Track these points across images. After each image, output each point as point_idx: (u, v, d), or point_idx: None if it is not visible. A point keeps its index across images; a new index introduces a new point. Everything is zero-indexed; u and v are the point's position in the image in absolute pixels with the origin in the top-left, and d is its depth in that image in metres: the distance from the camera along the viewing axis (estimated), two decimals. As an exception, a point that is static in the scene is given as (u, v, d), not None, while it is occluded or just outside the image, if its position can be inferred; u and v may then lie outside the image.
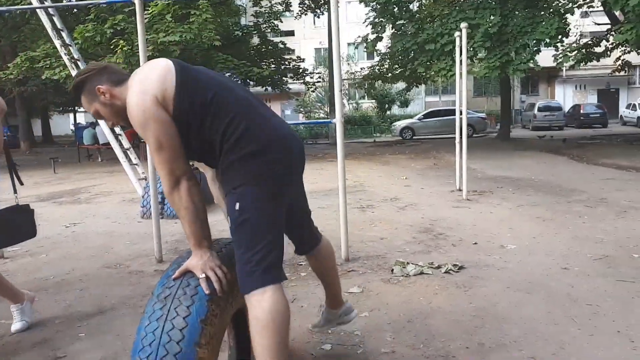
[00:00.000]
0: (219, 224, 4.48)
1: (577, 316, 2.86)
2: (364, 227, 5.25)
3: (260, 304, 1.70)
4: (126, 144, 7.64)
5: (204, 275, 1.71)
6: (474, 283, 3.48)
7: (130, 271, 4.10)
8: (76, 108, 32.68)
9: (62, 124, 40.13)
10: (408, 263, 3.86)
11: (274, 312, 1.69)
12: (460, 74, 6.95)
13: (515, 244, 4.47)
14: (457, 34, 7.16)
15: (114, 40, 10.02)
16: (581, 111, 27.31)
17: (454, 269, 3.75)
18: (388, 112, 30.23)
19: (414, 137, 22.97)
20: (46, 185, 10.49)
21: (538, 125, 25.76)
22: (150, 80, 1.71)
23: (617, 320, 2.79)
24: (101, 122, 16.61)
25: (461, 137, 6.95)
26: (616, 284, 3.37)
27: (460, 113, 7.01)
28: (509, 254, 4.19)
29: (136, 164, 7.66)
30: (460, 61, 6.84)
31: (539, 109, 26.56)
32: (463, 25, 6.12)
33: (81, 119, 35.56)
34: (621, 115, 29.25)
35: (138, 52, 9.96)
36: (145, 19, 10.08)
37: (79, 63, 7.57)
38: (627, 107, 28.70)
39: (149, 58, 9.44)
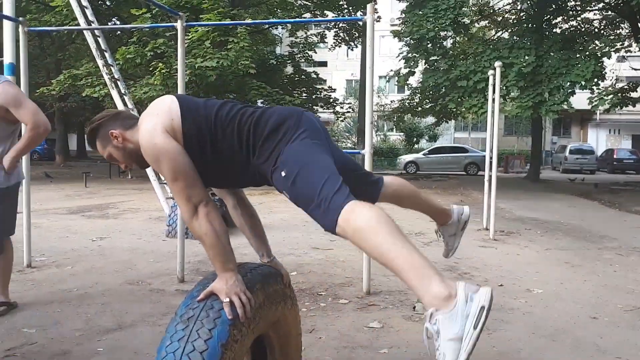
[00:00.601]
0: (242, 247, 4.50)
1: (605, 369, 2.75)
2: (386, 260, 5.18)
3: (352, 217, 1.51)
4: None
5: (228, 299, 1.71)
6: (497, 326, 3.39)
7: (152, 289, 4.13)
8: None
9: (97, 140, 41.25)
10: (430, 300, 3.78)
11: (372, 212, 1.52)
12: (493, 111, 6.93)
13: (542, 288, 4.35)
14: (490, 72, 7.17)
15: (154, 63, 10.38)
16: (614, 156, 26.79)
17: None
18: (416, 146, 30.17)
19: (418, 172, 23.02)
20: (77, 198, 10.74)
21: (569, 168, 25.32)
22: (157, 115, 1.79)
23: (649, 376, 2.68)
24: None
25: (490, 176, 6.87)
26: (648, 338, 3.24)
27: (491, 151, 6.94)
28: (535, 298, 4.07)
29: (165, 183, 7.78)
30: (493, 99, 6.83)
31: (571, 152, 26.16)
32: (497, 64, 6.13)
33: (115, 135, 36.63)
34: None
35: (175, 74, 10.29)
36: (185, 43, 10.45)
37: (118, 83, 7.83)
38: (663, 154, 27.99)
39: (187, 82, 9.69)
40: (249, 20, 14.97)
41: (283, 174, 1.72)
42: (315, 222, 1.67)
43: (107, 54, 7.82)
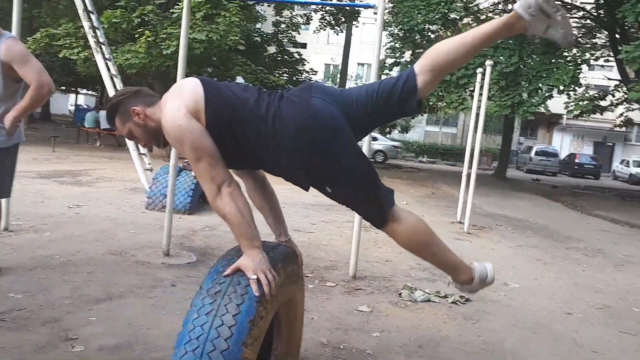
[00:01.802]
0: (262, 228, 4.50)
1: (584, 362, 2.91)
2: (368, 247, 5.28)
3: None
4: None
5: (255, 276, 1.73)
6: (480, 317, 3.51)
7: (137, 261, 4.08)
8: (79, 89, 32.52)
9: (62, 104, 39.89)
10: (415, 289, 3.89)
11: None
12: (478, 108, 7.07)
13: (518, 283, 4.52)
14: (479, 70, 7.29)
15: (140, 30, 10.05)
16: (576, 160, 27.73)
17: (460, 300, 3.78)
18: (388, 136, 30.42)
19: (387, 162, 23.05)
20: (46, 162, 10.40)
21: (533, 169, 26.11)
22: (182, 96, 1.78)
23: (624, 371, 2.84)
24: (104, 111, 16.67)
25: (469, 172, 7.03)
26: (620, 335, 3.43)
27: (473, 148, 7.09)
28: (513, 292, 4.24)
29: (144, 154, 7.63)
30: (480, 94, 6.96)
31: (536, 153, 26.95)
32: (488, 62, 6.24)
33: (82, 100, 35.43)
34: (614, 170, 29.71)
35: (162, 43, 10.04)
36: (175, 13, 10.17)
37: (103, 47, 7.58)
38: (621, 162, 29.17)
39: (172, 52, 9.43)
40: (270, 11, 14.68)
41: (328, 190, 1.91)
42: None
43: (93, 16, 7.54)
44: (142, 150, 7.67)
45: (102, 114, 16.97)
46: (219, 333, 1.60)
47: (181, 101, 1.77)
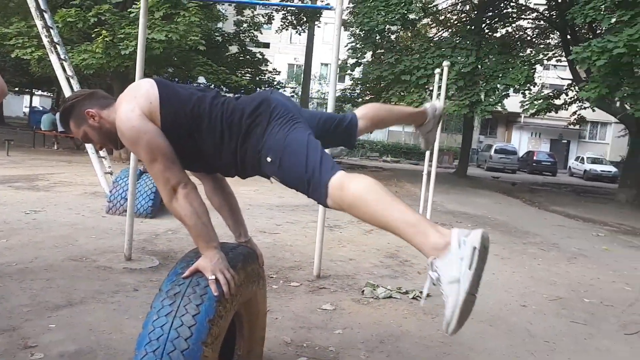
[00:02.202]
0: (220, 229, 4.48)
1: (536, 351, 3.05)
2: (332, 246, 5.34)
3: (342, 193, 1.60)
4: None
5: (213, 276, 1.75)
6: (440, 311, 3.61)
7: (98, 266, 4.02)
8: (33, 91, 31.49)
9: (15, 106, 38.52)
10: (378, 286, 3.98)
11: (359, 184, 1.60)
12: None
13: (476, 277, 4.66)
14: (437, 70, 7.46)
15: (97, 30, 9.82)
16: (534, 157, 28.63)
17: (421, 295, 3.88)
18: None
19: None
20: None
21: (493, 167, 26.79)
22: (136, 97, 1.78)
23: (573, 358, 2.99)
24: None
25: (430, 170, 7.19)
26: (570, 325, 3.60)
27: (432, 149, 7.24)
28: (471, 286, 4.36)
29: (104, 157, 7.49)
30: (438, 95, 7.13)
31: (496, 151, 27.66)
32: (445, 63, 6.40)
33: (37, 102, 34.31)
34: (570, 167, 30.81)
35: (120, 44, 9.85)
36: (132, 13, 9.99)
37: (58, 47, 7.39)
38: (576, 159, 30.28)
39: (130, 52, 9.26)
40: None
41: (269, 159, 1.77)
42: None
43: (46, 15, 7.34)
44: (102, 153, 7.52)
45: (59, 115, 16.53)
46: (178, 333, 1.62)
47: (135, 102, 1.77)
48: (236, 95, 1.98)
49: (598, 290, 4.67)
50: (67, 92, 7.36)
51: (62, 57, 7.49)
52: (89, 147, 7.30)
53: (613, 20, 10.00)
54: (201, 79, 14.89)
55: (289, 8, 17.21)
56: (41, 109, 27.98)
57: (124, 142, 1.81)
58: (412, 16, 12.56)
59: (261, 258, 2.24)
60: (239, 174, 1.97)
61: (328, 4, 17.91)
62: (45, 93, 32.93)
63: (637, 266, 5.93)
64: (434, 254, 1.47)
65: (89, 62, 10.01)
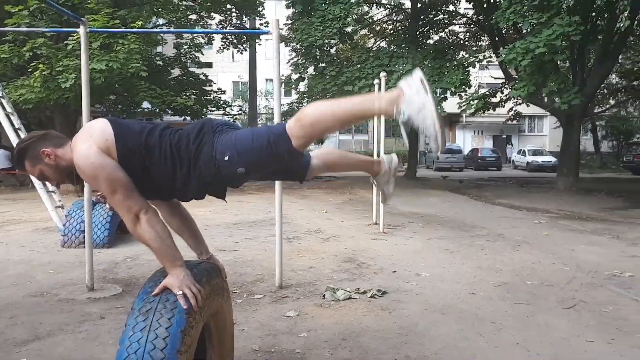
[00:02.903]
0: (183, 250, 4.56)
1: (484, 332, 3.34)
2: (292, 256, 5.53)
3: (299, 116, 1.89)
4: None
5: (181, 292, 1.92)
6: (396, 306, 3.88)
7: (60, 299, 4.05)
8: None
9: (-51, 145, 36.58)
10: (337, 289, 4.19)
11: (312, 105, 1.93)
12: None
13: (428, 272, 4.97)
14: (376, 81, 7.82)
15: (33, 64, 9.65)
16: (479, 154, 29.80)
17: (378, 294, 4.13)
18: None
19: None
20: (-60, 211, 9.67)
21: (441, 167, 27.70)
22: (92, 136, 1.94)
23: (516, 335, 3.30)
24: (0, 151, 15.54)
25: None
26: (514, 306, 3.93)
27: (378, 155, 7.57)
28: (424, 281, 4.66)
29: (52, 191, 7.38)
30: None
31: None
32: (382, 74, 6.76)
33: (-28, 140, 32.76)
34: (513, 160, 32.24)
35: (58, 77, 9.72)
36: (69, 45, 9.88)
37: (-6, 84, 7.27)
38: (518, 152, 31.73)
39: (72, 85, 9.15)
40: (149, 28, 14.64)
41: (226, 158, 1.94)
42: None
43: (-20, 54, 7.23)
44: (51, 187, 7.42)
45: (1, 153, 15.96)
46: (154, 345, 1.78)
47: (92, 140, 1.92)
48: (178, 128, 2.14)
49: (539, 272, 5.06)
50: (8, 129, 7.25)
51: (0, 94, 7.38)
52: (37, 183, 7.18)
53: (533, 22, 10.74)
54: (145, 104, 14.79)
55: (227, 28, 17.37)
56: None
57: (84, 177, 1.96)
58: (348, 29, 12.99)
59: (224, 272, 2.42)
60: (195, 195, 2.14)
61: (265, 24, 18.22)
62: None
63: (575, 248, 6.41)
64: (394, 104, 1.81)
65: (27, 97, 9.82)
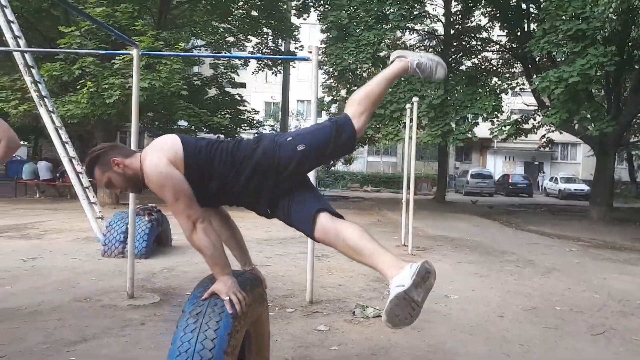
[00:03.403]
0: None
1: (511, 353, 3.40)
2: (322, 274, 5.66)
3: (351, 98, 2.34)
4: (85, 183, 7.73)
5: (228, 297, 2.08)
6: (424, 326, 3.95)
7: (103, 305, 4.27)
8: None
9: (-8, 156, 38.11)
10: (367, 307, 4.30)
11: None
12: (410, 138, 7.72)
13: (457, 294, 5.03)
14: (408, 105, 7.98)
15: (82, 81, 10.20)
16: (510, 180, 29.46)
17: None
18: (333, 168, 31.23)
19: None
20: (-13, 219, 10.16)
21: (470, 191, 27.45)
22: (163, 148, 2.16)
23: (543, 357, 3.36)
24: (42, 162, 16.23)
25: (408, 197, 7.61)
26: (543, 330, 3.96)
27: (409, 177, 7.69)
28: (452, 302, 4.73)
29: (94, 203, 7.73)
30: (411, 127, 7.62)
31: (472, 176, 28.42)
32: (415, 99, 6.91)
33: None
34: (545, 187, 31.73)
35: (104, 93, 10.21)
36: (116, 64, 10.41)
37: (46, 100, 7.72)
38: (550, 179, 31.24)
39: (116, 100, 9.58)
40: (188, 49, 15.29)
41: (289, 138, 2.21)
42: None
43: (34, 71, 7.69)
44: (92, 199, 7.77)
45: (41, 164, 16.66)
46: (203, 345, 1.94)
47: (162, 153, 2.14)
48: (237, 139, 2.39)
49: (569, 299, 5.06)
50: (56, 142, 7.66)
51: (50, 109, 7.82)
52: (80, 194, 7.54)
53: (567, 51, 10.78)
54: (182, 122, 15.31)
55: (263, 50, 17.92)
56: (19, 158, 27.83)
57: (151, 185, 2.15)
58: (382, 54, 13.24)
59: (264, 283, 2.58)
60: (247, 196, 2.27)
61: (300, 48, 18.69)
62: (22, 142, 32.84)
63: (606, 276, 6.36)
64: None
65: (73, 112, 10.35)
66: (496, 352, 3.41)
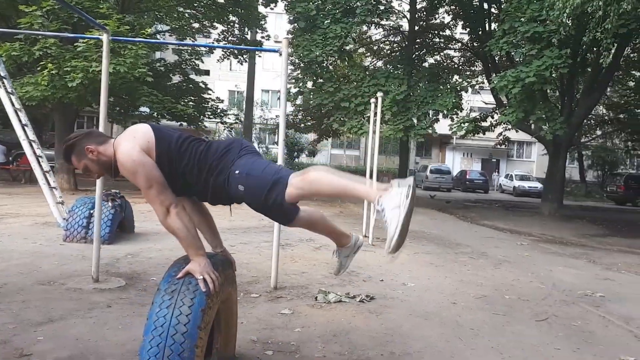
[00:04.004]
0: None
1: (462, 336, 3.65)
2: (286, 262, 5.80)
3: (305, 173, 2.15)
4: (46, 167, 7.58)
5: (201, 277, 2.21)
6: (383, 310, 4.18)
7: (68, 288, 4.29)
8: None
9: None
10: (329, 292, 4.48)
11: (318, 168, 2.19)
12: (374, 132, 7.94)
13: (413, 282, 5.28)
14: (372, 100, 8.19)
15: (42, 63, 9.92)
16: (467, 176, 30.34)
17: (366, 299, 4.43)
18: (296, 160, 31.34)
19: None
20: (-62, 201, 9.82)
21: (429, 186, 28.13)
22: (136, 137, 2.26)
23: (492, 340, 3.62)
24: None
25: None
26: (492, 316, 4.25)
27: (372, 170, 7.92)
28: (409, 290, 4.97)
29: (54, 187, 7.60)
30: (375, 121, 7.84)
31: (431, 171, 29.12)
32: (379, 94, 7.13)
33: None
34: (500, 184, 32.83)
35: (65, 76, 9.98)
36: (79, 47, 10.18)
37: (5, 81, 7.52)
38: (506, 176, 32.33)
39: (78, 84, 9.39)
40: (170, 39, 14.92)
41: (237, 172, 2.24)
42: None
43: (-6, 51, 7.49)
44: (53, 184, 7.64)
45: (-3, 148, 16.11)
46: (178, 320, 2.07)
47: (135, 141, 2.24)
48: (212, 140, 2.48)
49: (517, 288, 5.40)
50: (15, 125, 7.48)
51: (9, 90, 7.62)
52: (40, 178, 7.41)
53: (524, 52, 11.24)
54: (143, 108, 15.08)
55: (230, 38, 17.80)
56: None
57: (124, 172, 2.25)
58: (348, 47, 13.42)
59: (234, 265, 2.71)
60: (212, 199, 2.43)
61: (267, 37, 18.70)
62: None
63: (552, 268, 6.77)
64: (379, 194, 2.05)
65: (32, 94, 10.07)
66: (449, 335, 3.66)
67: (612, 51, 9.00)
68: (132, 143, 2.22)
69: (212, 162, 2.30)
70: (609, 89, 18.81)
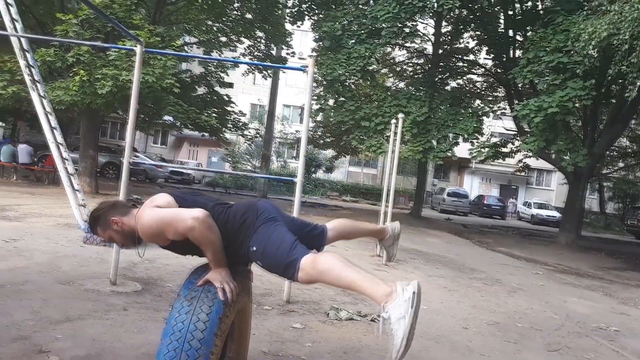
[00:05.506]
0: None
1: (472, 362, 3.65)
2: (298, 276, 5.85)
3: (312, 266, 2.14)
4: (71, 170, 7.79)
5: (221, 286, 2.28)
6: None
7: (86, 289, 4.40)
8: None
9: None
10: (341, 309, 4.52)
11: (326, 258, 2.14)
12: (393, 152, 8.00)
13: (426, 305, 5.27)
14: (393, 120, 8.27)
15: (75, 69, 10.25)
16: (484, 201, 30.10)
17: (378, 318, 4.44)
18: (313, 175, 31.46)
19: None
20: (-35, 197, 10.11)
21: (446, 209, 27.98)
22: (154, 202, 2.33)
23: (502, 367, 3.61)
24: (22, 146, 16.14)
25: (387, 209, 7.87)
26: (503, 343, 4.24)
27: (389, 190, 7.96)
28: (421, 312, 4.87)
29: (78, 190, 7.79)
30: (394, 141, 7.90)
31: (449, 194, 28.97)
32: (400, 115, 7.20)
33: (-7, 133, 33.49)
34: (518, 211, 32.49)
35: (96, 83, 10.27)
36: (111, 55, 10.49)
37: (38, 85, 7.77)
38: (524, 204, 32.00)
39: (107, 92, 9.64)
40: (199, 51, 15.34)
41: (254, 249, 2.33)
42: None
43: (29, 55, 7.74)
44: (76, 186, 7.83)
45: (22, 148, 16.49)
46: (196, 326, 2.13)
47: (152, 205, 2.32)
48: (231, 204, 2.53)
49: (530, 317, 5.36)
50: (45, 127, 7.71)
51: (42, 94, 7.87)
52: (64, 179, 7.60)
53: (548, 82, 11.25)
54: (167, 117, 15.36)
55: (256, 54, 18.11)
56: (1, 140, 27.38)
57: (145, 236, 2.32)
58: (371, 67, 13.55)
59: (251, 275, 2.78)
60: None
61: (292, 54, 18.98)
62: (0, 124, 32.26)
63: (567, 299, 6.71)
64: (384, 299, 2.04)
65: (62, 99, 10.37)
66: (459, 359, 3.66)
67: (638, 85, 8.95)
68: (149, 209, 2.30)
69: (230, 234, 2.36)
70: (632, 121, 18.61)
